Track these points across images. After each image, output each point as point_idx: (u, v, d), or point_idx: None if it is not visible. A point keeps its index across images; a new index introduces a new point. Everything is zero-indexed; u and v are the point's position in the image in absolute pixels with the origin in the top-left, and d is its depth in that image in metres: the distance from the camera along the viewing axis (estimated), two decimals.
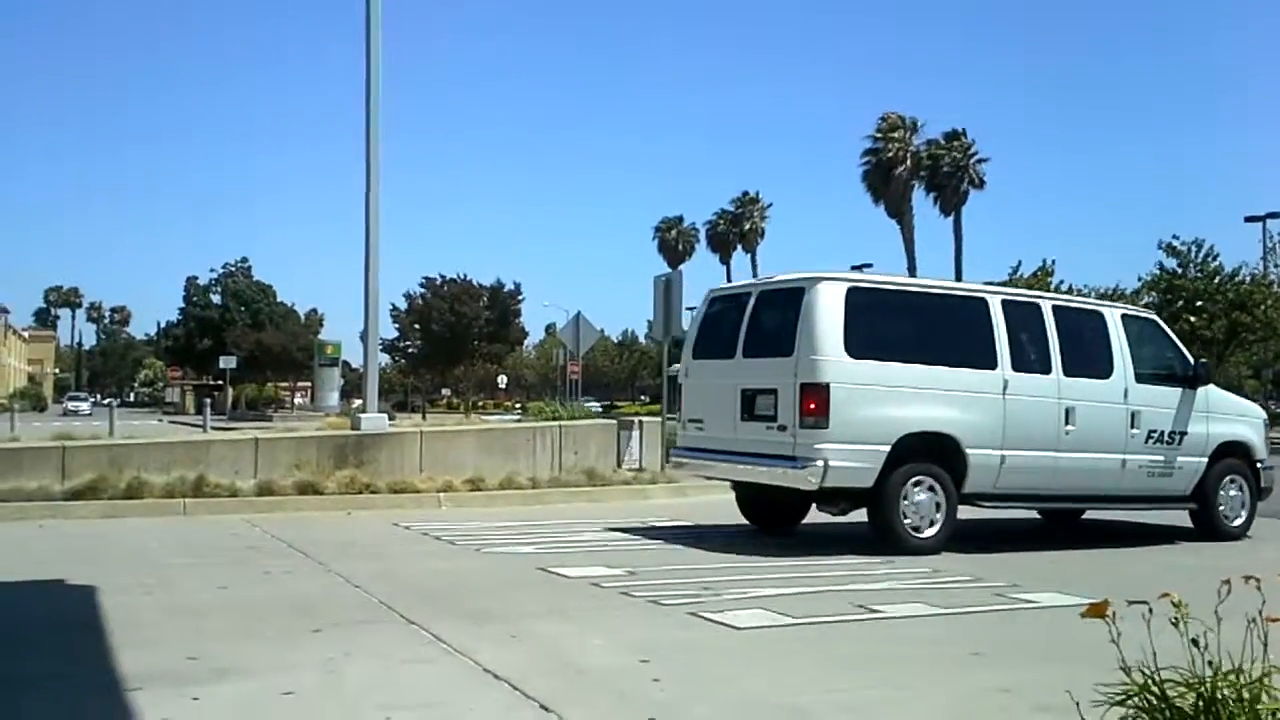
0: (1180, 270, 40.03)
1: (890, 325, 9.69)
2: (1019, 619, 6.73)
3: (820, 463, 9.05)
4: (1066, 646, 5.34)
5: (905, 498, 9.30)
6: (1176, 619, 2.92)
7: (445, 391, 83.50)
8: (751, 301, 10.12)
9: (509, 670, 4.96)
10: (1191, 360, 11.35)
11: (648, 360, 76.29)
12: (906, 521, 9.31)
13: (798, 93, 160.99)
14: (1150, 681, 2.90)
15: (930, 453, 9.45)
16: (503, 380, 77.07)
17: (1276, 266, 40.06)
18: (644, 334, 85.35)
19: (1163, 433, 10.62)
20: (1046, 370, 10.06)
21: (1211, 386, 11.30)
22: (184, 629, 5.92)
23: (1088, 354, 10.40)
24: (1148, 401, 10.57)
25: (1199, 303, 37.03)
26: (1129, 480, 10.50)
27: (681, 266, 74.58)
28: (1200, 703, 2.79)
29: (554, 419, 17.14)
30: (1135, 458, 10.46)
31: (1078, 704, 2.98)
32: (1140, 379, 10.59)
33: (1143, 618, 2.97)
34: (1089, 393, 10.22)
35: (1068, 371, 10.13)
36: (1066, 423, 10.03)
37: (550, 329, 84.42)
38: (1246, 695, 2.76)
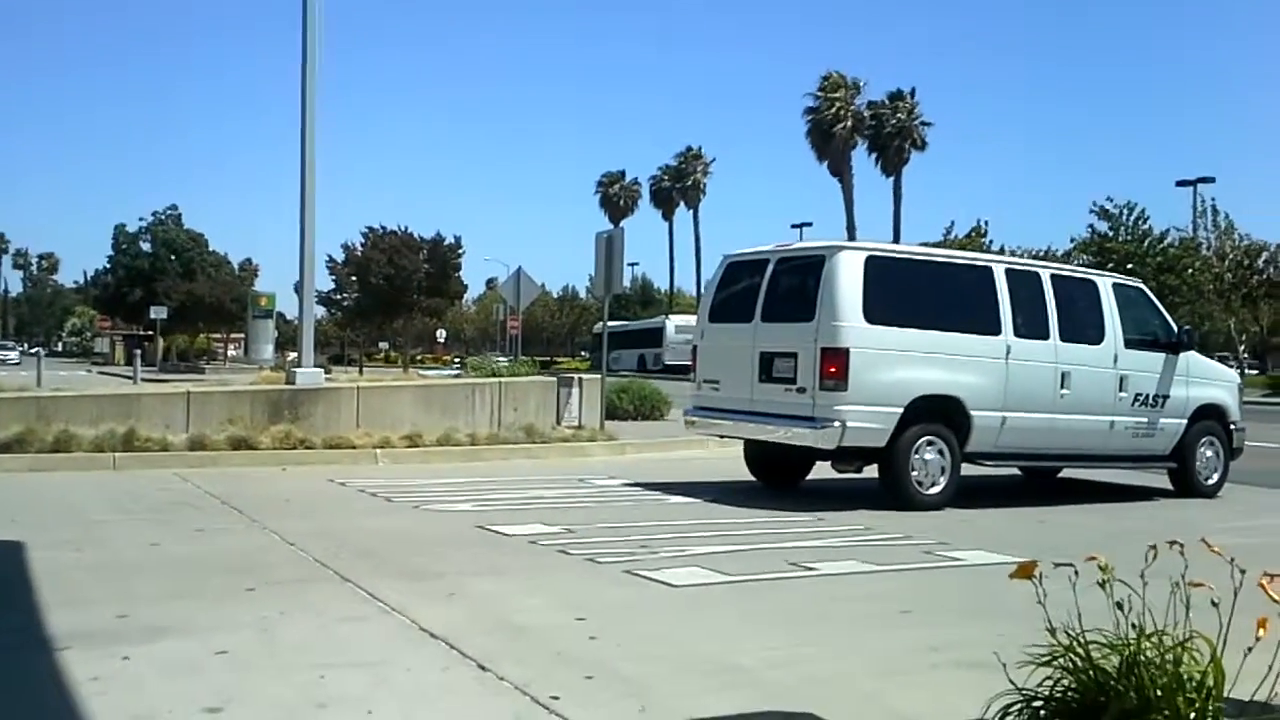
0: (1111, 233, 40.79)
1: (904, 293, 10.02)
2: (948, 577, 6.88)
3: (838, 423, 9.43)
4: (994, 605, 5.47)
5: (915, 456, 9.70)
6: (1103, 581, 2.99)
7: (383, 345, 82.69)
8: (770, 268, 10.43)
9: (446, 629, 4.96)
10: (1175, 327, 11.86)
11: (588, 316, 76.13)
12: (915, 477, 9.70)
13: (744, 48, 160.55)
14: (1075, 643, 2.97)
15: (938, 414, 9.86)
16: (442, 334, 76.43)
17: (1206, 231, 40.88)
18: (585, 289, 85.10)
19: (1148, 396, 11.15)
20: (1045, 336, 10.50)
21: (1192, 352, 11.83)
22: (114, 587, 5.83)
23: (1082, 321, 10.88)
24: (1135, 366, 11.08)
25: (1129, 265, 37.74)
26: (1116, 440, 11.03)
27: (624, 222, 74.37)
28: (1123, 665, 2.87)
29: (493, 375, 17.08)
30: (1122, 419, 10.99)
31: (1004, 665, 3.04)
32: (1129, 344, 11.10)
33: (1069, 580, 3.04)
34: (1082, 358, 10.71)
35: (1064, 337, 10.59)
36: (1062, 386, 10.51)
37: (491, 283, 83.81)
38: (1169, 658, 2.84)
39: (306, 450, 12.46)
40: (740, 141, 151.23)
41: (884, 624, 5.43)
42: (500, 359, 27.51)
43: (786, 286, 10.28)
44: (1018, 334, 10.29)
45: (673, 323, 57.52)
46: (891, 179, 59.38)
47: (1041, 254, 40.43)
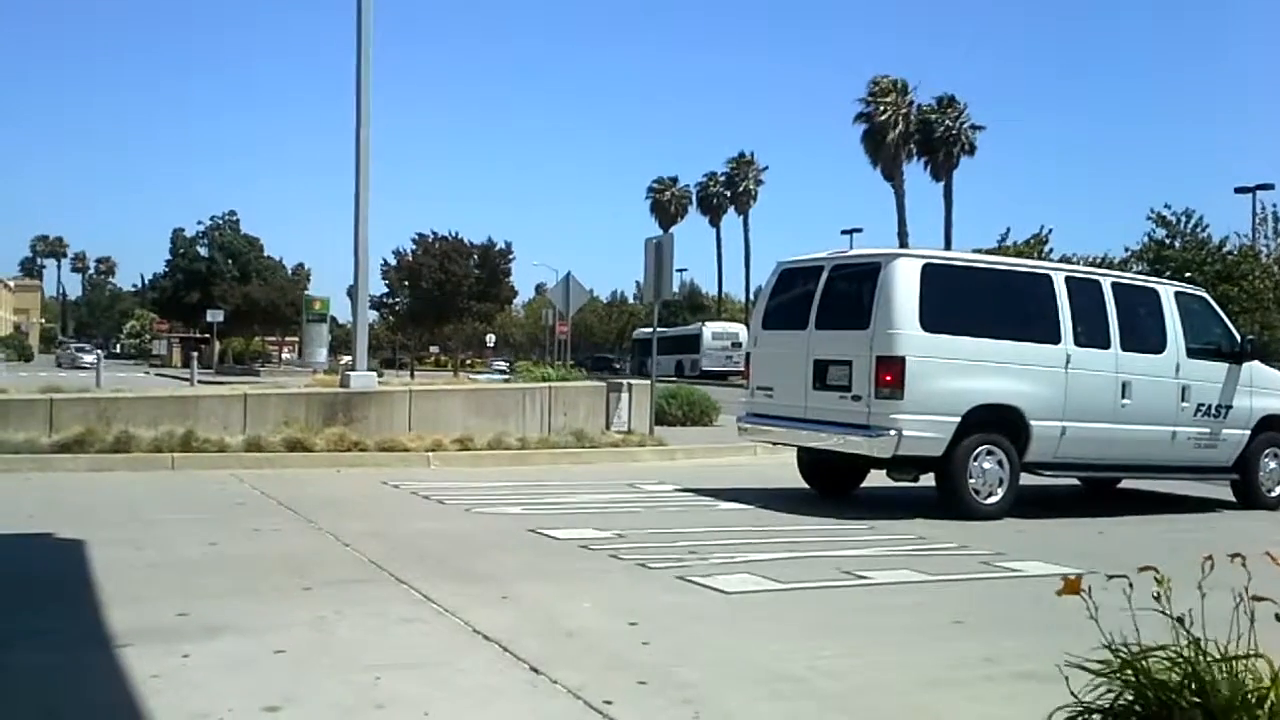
0: (1169, 241, 40.09)
1: (961, 301, 9.94)
2: (1004, 588, 6.80)
3: (894, 432, 9.38)
4: (1051, 617, 5.36)
5: (973, 465, 9.61)
6: (1158, 594, 2.95)
7: (434, 349, 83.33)
8: (824, 275, 10.38)
9: (499, 631, 5.00)
10: (1239, 337, 11.70)
11: (636, 321, 76.13)
12: (973, 486, 9.62)
13: (799, 53, 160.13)
14: (1135, 657, 2.94)
15: (996, 423, 9.79)
16: (491, 339, 76.87)
17: (1267, 239, 40.06)
18: (633, 295, 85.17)
19: (1210, 406, 11.00)
20: (1105, 345, 10.39)
21: (1255, 362, 11.64)
22: (174, 585, 5.93)
23: (1143, 330, 10.77)
24: (1197, 376, 10.94)
25: (1187, 274, 37.03)
26: (1178, 451, 10.89)
27: (675, 228, 74.38)
28: (1186, 680, 2.83)
29: (543, 380, 17.16)
30: (1184, 430, 10.85)
31: (1067, 677, 3.01)
32: (1191, 354, 10.96)
33: (1124, 592, 2.99)
34: (1144, 367, 10.58)
35: (1125, 346, 10.48)
36: (1123, 396, 10.40)
37: (540, 288, 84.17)
38: (1230, 672, 2.80)
39: (360, 452, 12.60)
40: (790, 146, 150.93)
41: (938, 634, 5.38)
42: (502, 365, 27.66)
43: (841, 294, 10.22)
44: (1078, 343, 10.17)
45: (710, 329, 57.73)
46: (941, 184, 58.86)
47: (1097, 261, 39.83)
